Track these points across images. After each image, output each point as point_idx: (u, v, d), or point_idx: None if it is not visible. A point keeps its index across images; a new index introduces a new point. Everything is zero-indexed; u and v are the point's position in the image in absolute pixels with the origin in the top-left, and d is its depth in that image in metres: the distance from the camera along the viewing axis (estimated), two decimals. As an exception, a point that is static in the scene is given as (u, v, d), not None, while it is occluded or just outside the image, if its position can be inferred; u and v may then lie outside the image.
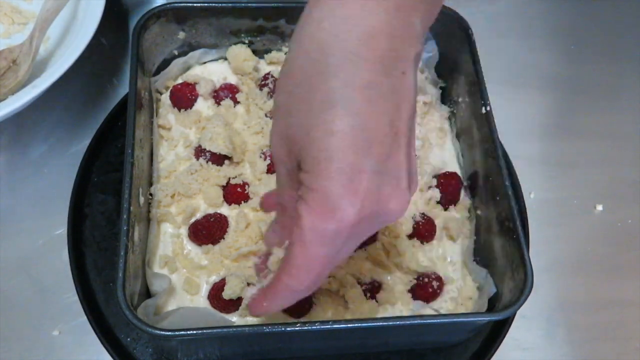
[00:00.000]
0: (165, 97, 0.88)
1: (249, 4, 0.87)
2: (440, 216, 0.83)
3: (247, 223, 0.79)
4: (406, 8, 0.49)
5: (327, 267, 0.53)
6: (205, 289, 0.76)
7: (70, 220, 0.83)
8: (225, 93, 0.88)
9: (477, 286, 0.79)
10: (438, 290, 0.77)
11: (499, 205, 0.76)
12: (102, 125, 0.90)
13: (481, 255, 0.80)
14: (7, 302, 0.80)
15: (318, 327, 0.65)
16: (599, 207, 0.94)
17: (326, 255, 0.51)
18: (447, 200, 0.83)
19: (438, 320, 0.70)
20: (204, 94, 0.88)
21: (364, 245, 0.79)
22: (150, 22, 0.83)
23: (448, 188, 0.83)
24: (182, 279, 0.76)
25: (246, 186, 0.81)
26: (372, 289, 0.76)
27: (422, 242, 0.80)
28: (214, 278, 0.76)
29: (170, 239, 0.79)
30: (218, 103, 0.88)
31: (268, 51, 0.92)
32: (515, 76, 1.06)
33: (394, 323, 0.67)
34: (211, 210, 0.80)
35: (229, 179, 0.82)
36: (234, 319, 0.74)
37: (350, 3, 0.47)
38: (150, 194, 0.80)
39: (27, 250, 0.84)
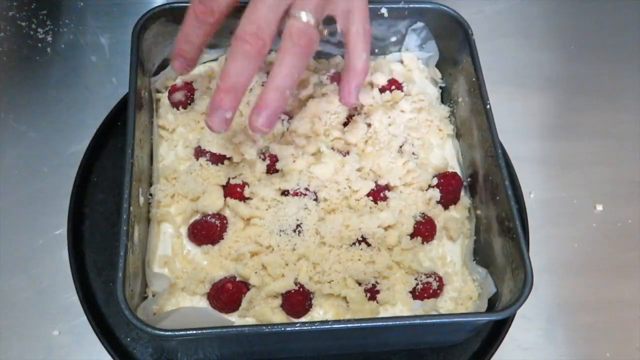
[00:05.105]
0: (165, 97, 0.88)
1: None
2: (440, 216, 0.83)
3: (246, 223, 0.79)
4: None
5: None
6: (205, 289, 0.75)
7: (70, 220, 0.83)
8: (225, 93, 0.88)
9: (477, 286, 0.79)
10: (438, 290, 0.77)
11: (498, 205, 0.76)
12: (102, 125, 0.90)
13: (481, 255, 0.80)
14: (7, 302, 0.80)
15: (318, 327, 0.65)
16: (599, 207, 0.94)
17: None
18: (447, 200, 0.83)
19: (438, 320, 0.70)
20: (204, 94, 0.88)
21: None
22: (150, 22, 0.83)
23: (448, 188, 0.83)
24: (182, 279, 0.76)
25: (246, 186, 0.81)
26: (373, 290, 0.76)
27: (422, 242, 0.80)
28: (214, 278, 0.76)
29: (170, 239, 0.79)
30: (218, 103, 0.87)
31: (268, 51, 0.92)
32: (515, 76, 1.06)
33: (394, 323, 0.67)
34: (211, 211, 0.80)
35: (229, 179, 0.82)
36: (234, 319, 0.74)
37: None
38: (150, 194, 0.80)
39: (26, 250, 0.84)
